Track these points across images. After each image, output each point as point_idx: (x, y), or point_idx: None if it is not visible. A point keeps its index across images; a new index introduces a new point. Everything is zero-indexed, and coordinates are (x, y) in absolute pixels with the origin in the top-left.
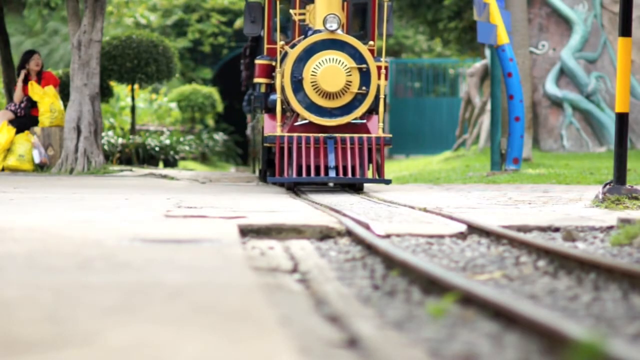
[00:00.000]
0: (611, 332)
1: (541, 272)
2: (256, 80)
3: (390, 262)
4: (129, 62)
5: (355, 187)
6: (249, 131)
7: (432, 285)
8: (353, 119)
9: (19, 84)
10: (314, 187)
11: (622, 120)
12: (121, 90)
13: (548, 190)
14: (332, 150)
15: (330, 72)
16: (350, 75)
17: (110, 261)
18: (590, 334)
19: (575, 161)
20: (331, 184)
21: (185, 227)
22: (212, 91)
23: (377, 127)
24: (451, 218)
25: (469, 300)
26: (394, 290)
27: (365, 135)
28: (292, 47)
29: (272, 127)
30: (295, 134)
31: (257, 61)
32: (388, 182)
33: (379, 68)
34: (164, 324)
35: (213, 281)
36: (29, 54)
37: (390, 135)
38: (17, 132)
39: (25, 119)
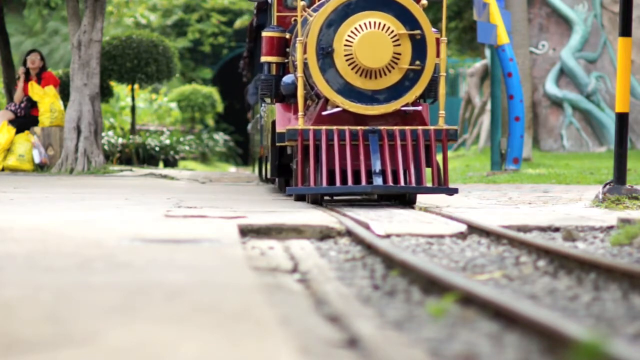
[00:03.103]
0: (611, 332)
1: (541, 272)
2: (264, 58)
3: (390, 262)
4: (129, 62)
5: (404, 199)
6: (250, 127)
7: (432, 285)
8: (403, 105)
9: (20, 83)
10: (343, 197)
11: (622, 120)
12: (121, 90)
13: (548, 190)
14: (377, 149)
15: (372, 41)
16: (398, 45)
17: (110, 261)
18: (590, 334)
19: (575, 161)
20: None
21: (185, 227)
22: (212, 91)
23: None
24: (451, 218)
25: (469, 300)
26: (394, 290)
27: (420, 128)
28: (315, 11)
29: (287, 119)
30: (323, 127)
31: (265, 33)
32: (453, 191)
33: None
34: (164, 324)
35: (213, 281)
36: (28, 54)
37: (456, 128)
38: (17, 132)
39: (25, 119)
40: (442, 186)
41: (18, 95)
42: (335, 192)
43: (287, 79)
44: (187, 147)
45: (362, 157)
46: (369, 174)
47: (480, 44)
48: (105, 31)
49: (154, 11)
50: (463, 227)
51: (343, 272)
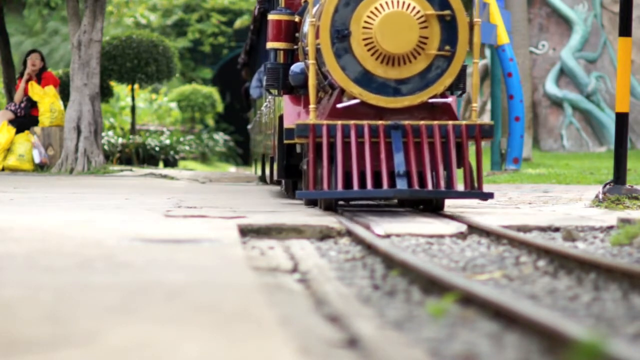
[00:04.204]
0: (611, 332)
1: (541, 272)
2: (270, 44)
3: (390, 262)
4: (129, 62)
5: (431, 204)
6: (250, 127)
7: (432, 285)
8: (431, 97)
9: (21, 84)
10: (360, 202)
11: (622, 120)
12: (121, 90)
13: (548, 190)
14: (400, 147)
15: (395, 22)
16: (425, 27)
17: (110, 261)
18: (590, 334)
19: (575, 161)
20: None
21: (185, 227)
22: (212, 91)
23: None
24: (451, 218)
25: (469, 300)
26: (394, 290)
27: (451, 123)
28: None
29: (296, 113)
30: (338, 122)
31: (272, 16)
32: (488, 196)
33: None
34: (164, 323)
35: (213, 281)
36: (28, 54)
37: (492, 123)
38: (17, 132)
39: (25, 119)
40: (475, 190)
41: (18, 95)
42: (353, 196)
43: (296, 67)
44: (187, 147)
45: (383, 157)
46: (392, 176)
47: (481, 43)
48: (105, 31)
49: (154, 11)
50: (463, 227)
51: (343, 272)
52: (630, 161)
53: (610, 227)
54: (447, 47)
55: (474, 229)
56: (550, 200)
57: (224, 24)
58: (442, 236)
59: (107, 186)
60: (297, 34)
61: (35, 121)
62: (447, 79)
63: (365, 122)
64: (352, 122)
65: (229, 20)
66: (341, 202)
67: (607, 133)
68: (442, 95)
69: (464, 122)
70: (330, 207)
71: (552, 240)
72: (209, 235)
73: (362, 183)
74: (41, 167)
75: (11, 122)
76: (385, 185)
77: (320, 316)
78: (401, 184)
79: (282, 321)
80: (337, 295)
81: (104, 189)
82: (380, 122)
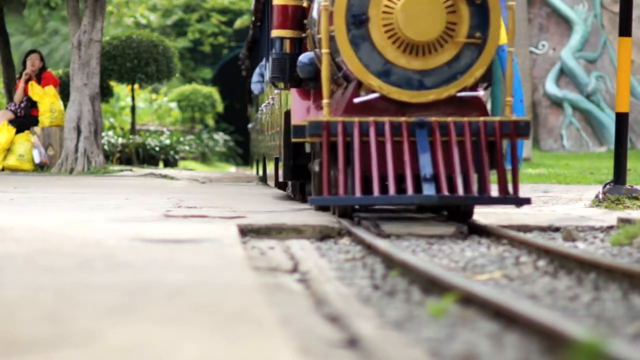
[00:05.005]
0: (611, 332)
1: (541, 272)
2: (276, 32)
3: (390, 262)
4: (129, 62)
5: (457, 210)
6: (251, 126)
7: (432, 285)
8: (460, 90)
9: (21, 84)
10: (377, 207)
11: (622, 120)
12: (121, 90)
13: (548, 190)
14: (426, 148)
15: (418, 6)
16: (453, 11)
17: (110, 261)
18: (590, 334)
19: (575, 161)
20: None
21: (185, 227)
22: (212, 91)
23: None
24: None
25: (469, 300)
26: (394, 290)
27: (482, 119)
28: None
29: (305, 108)
30: (356, 119)
31: (277, 1)
32: (524, 202)
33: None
34: (164, 323)
35: (213, 281)
36: (28, 54)
37: (528, 119)
38: (17, 132)
39: (25, 119)
40: (510, 195)
41: (18, 95)
42: (373, 203)
43: (305, 58)
44: (187, 147)
45: (407, 158)
46: (417, 180)
47: None
48: (105, 31)
49: (154, 11)
50: (463, 227)
51: (343, 272)
52: (630, 161)
53: (610, 227)
54: (478, 34)
55: (474, 229)
56: (550, 200)
57: (224, 24)
58: (442, 236)
59: (107, 186)
60: (305, 21)
61: (35, 121)
62: (478, 70)
63: (386, 119)
64: (371, 118)
65: (229, 20)
66: (356, 207)
67: (607, 133)
68: (472, 88)
69: (497, 118)
70: (346, 213)
71: (552, 240)
72: (209, 235)
73: (384, 188)
74: (41, 167)
75: (11, 122)
76: (410, 191)
77: (320, 316)
78: (428, 189)
79: (282, 321)
80: (337, 295)
81: (104, 189)
82: (402, 118)
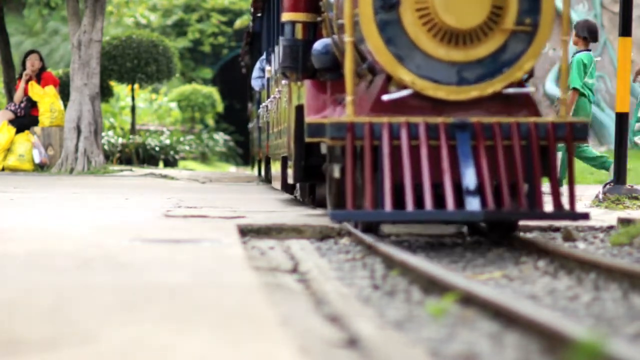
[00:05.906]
0: (611, 332)
1: (541, 272)
2: (287, 16)
3: (390, 262)
4: (129, 62)
5: (501, 224)
6: (251, 125)
7: (432, 285)
8: (507, 86)
9: (21, 84)
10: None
11: (622, 120)
12: (121, 90)
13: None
14: (469, 154)
15: None
16: None
17: (110, 261)
18: (590, 334)
19: (576, 161)
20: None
21: (185, 226)
22: (212, 91)
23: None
24: None
25: (469, 300)
26: (394, 290)
27: (533, 120)
28: None
29: (321, 103)
30: (385, 119)
31: None
32: (582, 217)
33: None
34: (164, 323)
35: (213, 281)
36: (27, 55)
37: (587, 121)
38: (17, 132)
39: (25, 119)
40: (566, 210)
41: (18, 95)
42: (407, 219)
43: (320, 45)
44: (187, 147)
45: (445, 166)
46: (459, 192)
47: None
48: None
49: (154, 11)
50: (463, 227)
51: (343, 272)
52: (630, 161)
53: (610, 227)
54: (528, 20)
55: (474, 229)
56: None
57: (224, 24)
58: (442, 236)
59: (107, 186)
60: (320, 3)
61: (35, 121)
62: (528, 63)
63: (421, 120)
64: (402, 119)
65: (229, 20)
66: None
67: (607, 133)
68: (520, 83)
69: (550, 119)
70: (370, 227)
71: (552, 240)
72: (209, 235)
73: (419, 202)
74: (41, 167)
75: (11, 122)
76: (450, 205)
77: (320, 316)
78: (472, 204)
79: (282, 321)
80: (337, 295)
81: (104, 189)
82: (440, 119)
